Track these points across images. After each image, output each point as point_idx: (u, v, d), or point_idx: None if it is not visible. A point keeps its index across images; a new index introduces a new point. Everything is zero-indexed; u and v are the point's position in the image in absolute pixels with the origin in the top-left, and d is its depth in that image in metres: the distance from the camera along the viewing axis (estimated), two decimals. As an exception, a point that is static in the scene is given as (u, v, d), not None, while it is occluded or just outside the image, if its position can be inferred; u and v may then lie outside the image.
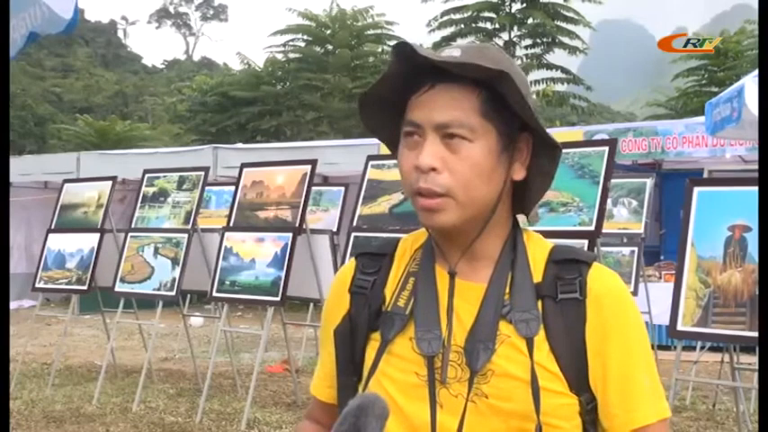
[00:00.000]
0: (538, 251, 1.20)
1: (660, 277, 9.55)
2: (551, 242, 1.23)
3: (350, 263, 1.31)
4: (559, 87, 22.70)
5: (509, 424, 1.11)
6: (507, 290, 1.16)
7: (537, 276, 1.17)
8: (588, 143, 6.05)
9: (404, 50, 1.11)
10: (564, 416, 1.12)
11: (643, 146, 9.99)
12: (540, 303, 1.15)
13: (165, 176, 7.43)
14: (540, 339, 1.12)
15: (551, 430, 1.10)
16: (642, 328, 1.18)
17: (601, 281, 1.17)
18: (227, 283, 6.47)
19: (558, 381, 1.11)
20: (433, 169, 1.12)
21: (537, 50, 22.08)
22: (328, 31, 23.54)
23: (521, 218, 1.26)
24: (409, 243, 1.28)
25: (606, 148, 4.85)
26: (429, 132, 1.13)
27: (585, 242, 4.58)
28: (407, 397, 1.15)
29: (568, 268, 1.17)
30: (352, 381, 1.22)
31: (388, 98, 1.20)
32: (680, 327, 4.21)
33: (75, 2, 3.68)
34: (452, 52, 1.12)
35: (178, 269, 6.76)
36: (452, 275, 1.18)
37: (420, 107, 1.14)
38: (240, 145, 14.71)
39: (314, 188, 7.46)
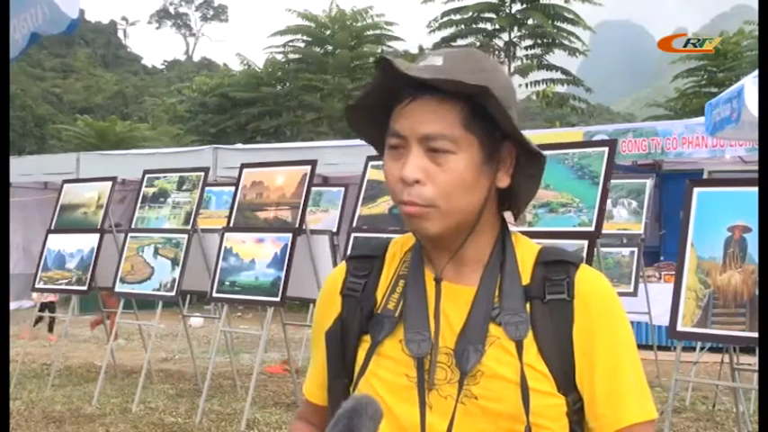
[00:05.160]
0: (526, 253, 1.21)
1: (660, 278, 9.56)
2: (539, 244, 1.24)
3: (341, 266, 1.32)
4: (559, 88, 22.71)
5: (498, 425, 1.12)
6: (496, 293, 1.17)
7: (525, 278, 1.18)
8: (588, 144, 6.05)
9: (385, 65, 1.12)
10: (551, 416, 1.13)
11: (643, 146, 10.00)
12: (528, 305, 1.16)
13: (165, 177, 7.43)
14: (529, 341, 1.13)
15: (540, 431, 1.12)
16: (628, 330, 1.19)
17: (588, 282, 1.18)
18: (227, 283, 6.47)
19: (546, 381, 1.13)
20: (417, 181, 1.13)
21: (537, 51, 22.09)
22: (328, 32, 23.54)
23: (511, 218, 1.26)
24: (399, 245, 1.29)
25: (606, 149, 4.85)
26: (413, 144, 1.14)
27: (585, 243, 4.58)
28: (397, 398, 1.15)
29: (556, 269, 1.18)
30: (342, 383, 1.23)
31: (374, 107, 1.20)
32: (680, 327, 4.22)
33: (77, 1, 3.69)
34: (435, 61, 1.13)
35: (178, 269, 6.76)
36: (438, 282, 1.19)
37: (404, 118, 1.15)
38: (240, 145, 14.71)
39: (314, 189, 7.46)
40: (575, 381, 1.15)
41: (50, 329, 10.66)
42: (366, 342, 1.20)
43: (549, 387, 1.13)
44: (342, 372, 1.23)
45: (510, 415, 1.11)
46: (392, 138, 1.17)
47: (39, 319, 10.60)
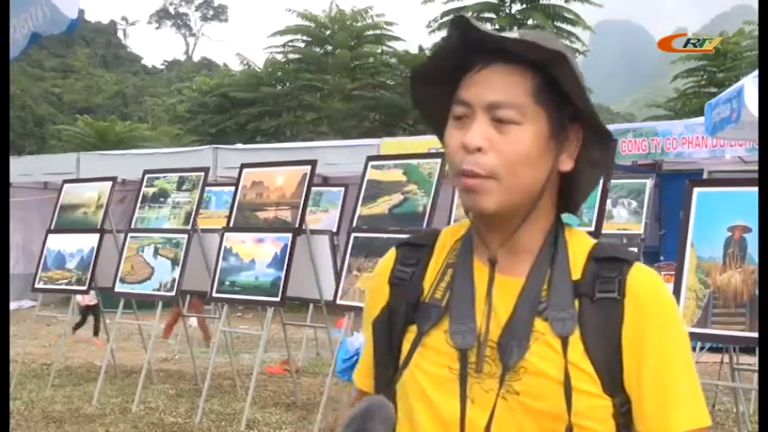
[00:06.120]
0: (579, 248, 1.17)
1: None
2: (594, 239, 1.20)
3: (391, 253, 1.30)
4: (559, 88, 22.67)
5: (540, 423, 1.09)
6: (545, 286, 1.14)
7: (576, 273, 1.14)
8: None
9: (460, 23, 1.10)
10: (597, 418, 1.10)
11: (643, 146, 10.00)
12: (577, 301, 1.12)
13: (164, 177, 7.43)
14: (575, 338, 1.10)
15: None
16: (682, 332, 1.15)
17: (641, 281, 1.14)
18: (227, 283, 6.47)
19: (591, 381, 1.09)
20: (479, 149, 1.10)
21: (537, 51, 22.06)
22: (328, 32, 23.52)
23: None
24: (450, 234, 1.26)
25: (606, 149, 4.85)
26: (478, 112, 1.11)
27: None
28: (439, 390, 1.14)
29: (608, 267, 1.14)
30: (388, 372, 1.21)
31: (440, 75, 1.18)
32: (680, 327, 4.21)
33: (77, 2, 3.69)
34: (510, 35, 1.10)
35: (178, 269, 6.77)
36: (493, 263, 1.16)
37: (472, 86, 1.12)
38: (240, 145, 14.72)
39: (314, 189, 7.46)
40: (622, 382, 1.11)
41: (95, 333, 10.44)
42: (412, 332, 1.18)
43: (594, 388, 1.09)
44: (388, 361, 1.21)
45: (552, 414, 1.08)
46: (457, 106, 1.14)
47: (80, 324, 10.41)
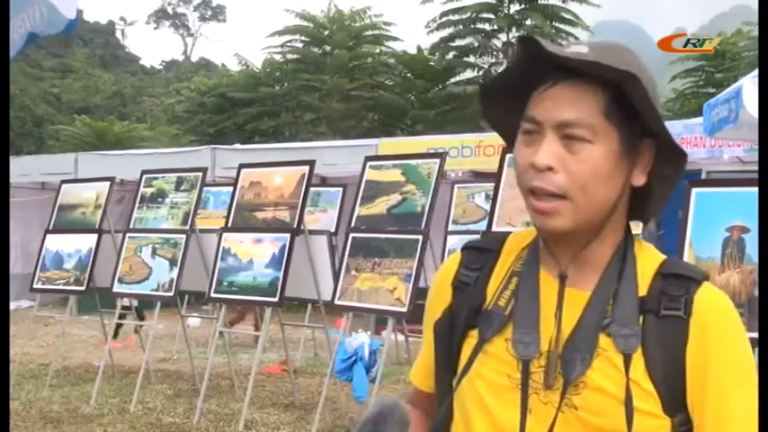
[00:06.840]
0: (647, 263, 1.16)
1: (658, 278, 9.53)
2: (663, 255, 1.19)
3: (455, 256, 1.30)
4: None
5: None
6: (611, 301, 1.13)
7: (643, 289, 1.14)
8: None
9: (528, 44, 1.09)
10: None
11: (641, 147, 9.98)
12: (641, 318, 1.11)
13: (163, 177, 7.43)
14: (637, 355, 1.09)
15: None
16: (748, 355, 1.13)
17: (708, 301, 1.13)
18: (225, 283, 6.46)
19: (651, 400, 1.08)
20: (550, 168, 1.09)
21: (535, 52, 22.04)
22: (326, 32, 23.50)
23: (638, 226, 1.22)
24: (517, 241, 1.25)
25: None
26: (548, 130, 1.10)
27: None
28: (497, 399, 1.14)
29: (676, 284, 1.13)
30: (448, 375, 1.21)
31: (509, 90, 1.17)
32: (678, 327, 4.21)
33: (75, 2, 3.69)
34: (580, 49, 1.09)
35: (176, 270, 6.76)
36: (563, 279, 1.15)
37: (541, 104, 1.12)
38: (238, 146, 14.70)
39: (312, 189, 7.45)
40: (684, 401, 1.10)
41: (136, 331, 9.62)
42: (472, 338, 1.18)
43: (654, 407, 1.08)
44: (448, 364, 1.21)
45: (610, 430, 1.07)
46: (527, 123, 1.13)
47: (119, 327, 9.99)
